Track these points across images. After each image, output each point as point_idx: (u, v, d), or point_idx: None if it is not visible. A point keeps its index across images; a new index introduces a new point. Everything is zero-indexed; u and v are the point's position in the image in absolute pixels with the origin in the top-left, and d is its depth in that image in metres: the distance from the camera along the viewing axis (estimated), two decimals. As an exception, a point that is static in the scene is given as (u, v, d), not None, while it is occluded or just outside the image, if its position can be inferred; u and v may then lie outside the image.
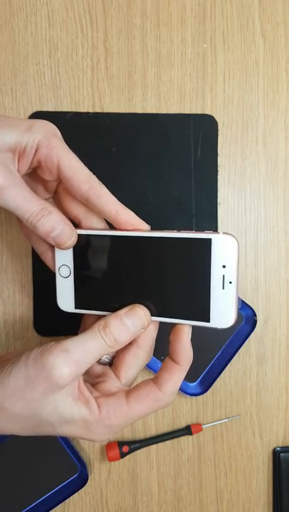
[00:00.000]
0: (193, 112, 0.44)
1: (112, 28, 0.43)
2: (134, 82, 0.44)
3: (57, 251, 0.35)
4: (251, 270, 0.46)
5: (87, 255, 0.34)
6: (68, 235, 0.32)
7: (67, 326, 0.44)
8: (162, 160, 0.44)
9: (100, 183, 0.32)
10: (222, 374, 0.44)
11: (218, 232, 0.30)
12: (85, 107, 0.43)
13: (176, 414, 0.45)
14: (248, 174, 0.45)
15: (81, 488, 0.43)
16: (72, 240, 0.33)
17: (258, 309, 0.45)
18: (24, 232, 0.37)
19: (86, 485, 0.43)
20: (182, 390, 0.44)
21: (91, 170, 0.33)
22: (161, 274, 0.31)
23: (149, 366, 0.43)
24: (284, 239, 0.46)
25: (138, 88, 0.44)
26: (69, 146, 0.33)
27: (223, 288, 0.30)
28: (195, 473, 0.46)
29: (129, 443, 0.44)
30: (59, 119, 0.43)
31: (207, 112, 0.45)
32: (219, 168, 0.45)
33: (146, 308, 0.32)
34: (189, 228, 0.44)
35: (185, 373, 0.32)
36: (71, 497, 0.43)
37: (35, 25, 0.43)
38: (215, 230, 0.45)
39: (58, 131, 0.33)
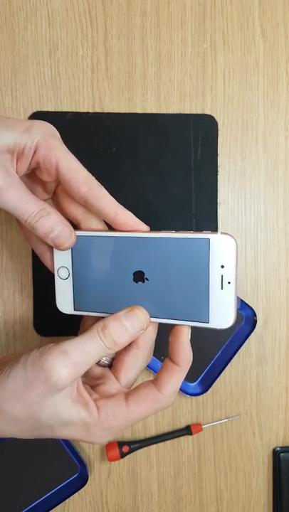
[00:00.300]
0: (193, 111, 0.44)
1: (112, 28, 0.43)
2: (134, 82, 0.44)
3: (56, 252, 0.35)
4: (251, 270, 0.46)
5: (85, 256, 0.34)
6: (67, 236, 0.32)
7: (67, 327, 0.44)
8: (162, 160, 0.44)
9: (99, 184, 0.32)
10: (222, 374, 0.44)
11: (217, 232, 0.30)
12: (85, 107, 0.43)
13: (176, 414, 0.45)
14: (248, 174, 0.45)
15: (81, 488, 0.43)
16: (71, 241, 0.32)
17: (258, 309, 0.45)
18: (24, 233, 0.37)
19: (86, 485, 0.43)
20: (182, 390, 0.44)
21: (91, 170, 0.33)
22: (160, 275, 0.31)
23: (149, 366, 0.43)
24: (284, 239, 0.46)
25: (138, 88, 0.44)
26: (69, 146, 0.33)
27: (222, 288, 0.30)
28: (195, 473, 0.46)
29: (129, 443, 0.44)
30: (59, 119, 0.43)
31: (207, 112, 0.45)
32: (219, 168, 0.45)
33: (145, 310, 0.31)
34: (189, 228, 0.44)
35: (185, 374, 0.32)
36: (71, 497, 0.43)
37: (35, 25, 0.43)
38: (215, 230, 0.45)
39: (57, 132, 0.33)
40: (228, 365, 0.44)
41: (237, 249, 0.29)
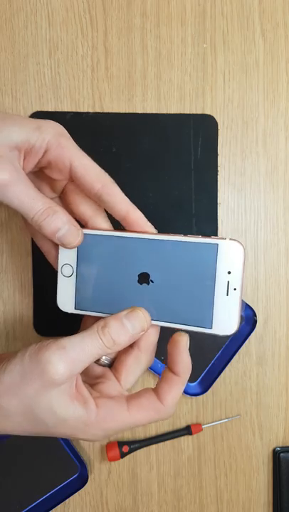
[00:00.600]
0: (193, 112, 0.44)
1: (112, 28, 0.43)
2: (134, 82, 0.44)
3: (61, 249, 0.34)
4: (251, 270, 0.46)
5: (91, 255, 0.33)
6: (74, 235, 0.32)
7: (68, 326, 0.44)
8: (162, 160, 0.44)
9: (112, 181, 0.32)
10: (222, 374, 0.44)
11: (225, 238, 0.30)
12: (85, 107, 0.43)
13: (176, 414, 0.45)
14: (248, 174, 0.45)
15: (81, 488, 0.43)
16: (79, 240, 0.32)
17: (258, 309, 0.45)
18: (29, 230, 0.37)
19: (86, 485, 0.43)
20: (182, 390, 0.44)
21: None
22: (165, 278, 0.31)
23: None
24: (284, 239, 0.46)
25: (138, 88, 0.44)
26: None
27: (227, 294, 0.30)
28: (195, 473, 0.46)
29: (129, 443, 0.44)
30: (59, 119, 0.43)
31: (207, 112, 0.45)
32: (219, 168, 0.45)
33: (146, 311, 0.31)
34: (189, 228, 0.44)
35: (185, 384, 0.31)
36: (71, 497, 0.43)
37: (35, 25, 0.43)
38: (215, 230, 0.45)
39: (66, 131, 0.33)
40: (228, 365, 0.44)
41: (245, 256, 0.29)
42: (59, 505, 0.43)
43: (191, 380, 0.45)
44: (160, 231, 0.33)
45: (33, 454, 0.43)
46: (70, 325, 0.44)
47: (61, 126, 0.32)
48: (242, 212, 0.45)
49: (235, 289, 0.29)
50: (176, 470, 0.46)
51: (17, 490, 0.42)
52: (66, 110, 0.43)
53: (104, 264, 0.33)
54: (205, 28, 0.44)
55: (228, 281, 0.29)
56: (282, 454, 0.46)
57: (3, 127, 0.30)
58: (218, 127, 0.45)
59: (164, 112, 0.44)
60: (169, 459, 0.46)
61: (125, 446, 0.44)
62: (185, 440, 0.46)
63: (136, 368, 0.33)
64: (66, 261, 0.34)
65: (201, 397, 0.45)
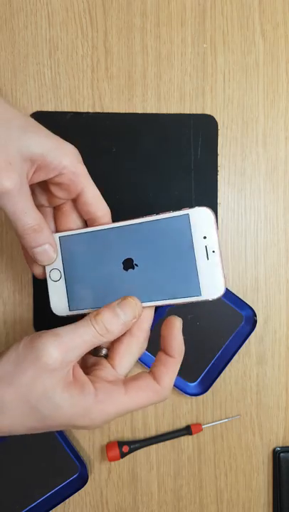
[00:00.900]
0: (193, 112, 0.44)
1: (112, 28, 0.43)
2: (134, 82, 0.44)
3: None
4: (251, 270, 0.46)
5: (74, 255, 0.34)
6: (49, 257, 0.34)
7: (67, 326, 0.44)
8: (162, 160, 0.44)
9: (109, 211, 0.34)
10: (222, 374, 0.44)
11: (193, 207, 0.31)
12: (85, 107, 0.43)
13: (176, 414, 0.45)
14: (248, 174, 0.45)
15: (81, 488, 0.43)
16: (51, 261, 0.34)
17: (258, 309, 0.45)
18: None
19: (86, 485, 0.43)
20: (182, 390, 0.44)
21: (92, 170, 0.33)
22: (148, 259, 0.32)
23: (143, 361, 0.43)
24: (284, 239, 0.46)
25: (138, 88, 0.44)
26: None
27: (208, 258, 0.31)
28: (195, 473, 0.46)
29: (129, 443, 0.44)
30: (59, 119, 0.43)
31: (207, 112, 0.45)
32: (219, 168, 0.45)
33: (137, 299, 0.32)
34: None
35: (179, 365, 0.32)
36: (71, 497, 0.43)
37: (35, 25, 0.43)
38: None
39: (80, 156, 0.33)
40: (228, 365, 0.44)
41: (215, 219, 0.31)
42: (59, 505, 0.43)
43: (191, 380, 0.45)
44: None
45: (34, 454, 0.43)
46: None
47: (77, 151, 0.33)
48: (242, 212, 0.45)
49: (214, 252, 0.31)
50: (176, 470, 0.46)
51: (17, 490, 0.42)
52: (66, 110, 0.43)
53: (88, 261, 0.34)
54: (205, 28, 0.44)
55: (206, 246, 0.31)
56: (282, 454, 0.46)
57: (24, 135, 0.30)
58: (218, 127, 0.45)
59: (164, 111, 0.44)
60: (169, 459, 0.46)
61: (125, 446, 0.44)
62: (185, 440, 0.46)
63: (129, 353, 0.33)
64: (52, 266, 0.35)
65: (201, 397, 0.45)
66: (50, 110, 0.43)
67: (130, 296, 0.32)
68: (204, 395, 0.44)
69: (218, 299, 0.31)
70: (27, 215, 0.31)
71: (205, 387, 0.44)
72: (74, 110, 0.43)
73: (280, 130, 0.45)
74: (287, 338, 0.46)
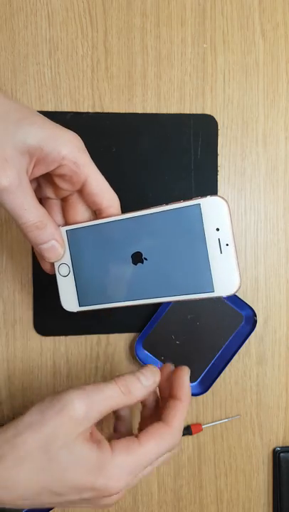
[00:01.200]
0: (193, 112, 0.44)
1: (112, 28, 0.43)
2: (134, 82, 0.44)
3: None
4: (251, 270, 0.46)
5: (82, 249, 0.33)
6: (56, 254, 0.33)
7: (67, 327, 0.44)
8: (162, 160, 0.44)
9: (117, 199, 0.33)
10: (222, 374, 0.44)
11: (206, 196, 0.29)
12: (85, 107, 0.43)
13: (176, 414, 0.45)
14: (248, 174, 0.45)
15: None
16: (59, 257, 0.33)
17: (258, 309, 0.45)
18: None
19: (86, 485, 0.43)
20: (182, 390, 0.44)
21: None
22: (158, 252, 0.31)
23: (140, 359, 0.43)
24: (284, 239, 0.46)
25: (138, 88, 0.44)
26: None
27: (221, 252, 0.29)
28: (195, 473, 0.46)
29: (129, 443, 0.44)
30: (59, 119, 0.43)
31: (207, 112, 0.45)
32: (219, 168, 0.45)
33: (156, 368, 0.33)
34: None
35: (187, 408, 0.33)
36: (71, 497, 0.43)
37: (35, 25, 0.43)
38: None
39: (82, 144, 0.32)
40: (228, 365, 0.44)
41: (229, 209, 0.29)
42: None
43: (191, 380, 0.45)
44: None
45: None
46: (70, 325, 0.44)
47: (78, 138, 0.32)
48: (242, 212, 0.45)
49: (227, 245, 0.29)
50: (176, 470, 0.46)
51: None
52: (66, 110, 0.43)
53: (97, 255, 0.33)
54: (205, 28, 0.44)
55: (219, 239, 0.29)
56: (282, 454, 0.46)
57: (20, 129, 0.29)
58: (218, 127, 0.45)
59: (164, 111, 0.44)
60: (169, 459, 0.46)
61: (125, 446, 0.44)
62: (185, 440, 0.46)
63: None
64: (61, 261, 0.34)
65: (201, 397, 0.45)
66: (50, 110, 0.43)
67: (150, 365, 0.33)
68: (204, 394, 0.44)
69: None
70: (28, 212, 0.30)
71: (205, 387, 0.44)
72: (74, 110, 0.43)
73: (280, 130, 0.45)
74: (287, 338, 0.46)
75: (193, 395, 0.44)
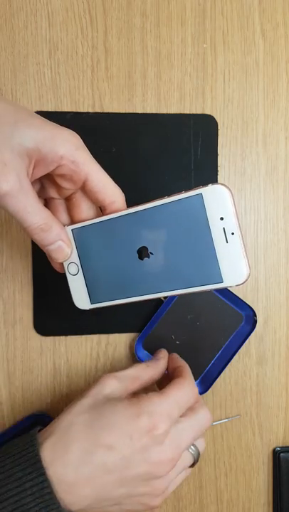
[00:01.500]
0: (193, 112, 0.44)
1: (112, 28, 0.43)
2: (134, 82, 0.44)
3: None
4: (251, 270, 0.46)
5: (89, 247, 0.33)
6: (63, 254, 0.33)
7: (68, 326, 0.44)
8: (162, 160, 0.44)
9: (122, 195, 0.33)
10: (222, 374, 0.44)
11: (207, 185, 0.29)
12: (85, 107, 0.43)
13: (176, 414, 0.45)
14: (248, 174, 0.45)
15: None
16: (66, 257, 0.34)
17: (258, 309, 0.45)
18: None
19: (86, 485, 0.43)
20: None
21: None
22: (163, 245, 0.31)
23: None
24: (284, 239, 0.46)
25: (138, 88, 0.44)
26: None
27: (227, 241, 0.28)
28: (195, 473, 0.46)
29: (129, 443, 0.44)
30: (59, 119, 0.43)
31: (207, 112, 0.45)
32: (219, 168, 0.45)
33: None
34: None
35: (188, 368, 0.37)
36: (71, 497, 0.43)
37: (35, 25, 0.43)
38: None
39: (81, 141, 0.32)
40: (228, 365, 0.44)
41: (233, 197, 0.28)
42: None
43: (191, 380, 0.45)
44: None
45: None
46: (70, 325, 0.44)
47: (76, 136, 0.31)
48: (242, 212, 0.45)
49: (233, 234, 0.28)
50: (176, 470, 0.46)
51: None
52: (66, 110, 0.43)
53: (104, 252, 0.33)
54: (205, 28, 0.44)
55: (224, 228, 0.28)
56: (282, 454, 0.46)
57: (16, 131, 0.29)
58: (218, 127, 0.45)
59: (164, 112, 0.44)
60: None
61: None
62: (185, 440, 0.46)
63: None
64: (69, 260, 0.34)
65: (201, 397, 0.45)
66: (50, 110, 0.43)
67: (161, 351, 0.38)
68: (204, 394, 0.44)
69: (242, 285, 0.30)
70: (31, 215, 0.30)
71: (205, 387, 0.44)
72: (74, 110, 0.43)
73: (280, 130, 0.45)
74: (287, 338, 0.46)
75: (193, 395, 0.44)
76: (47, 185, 0.34)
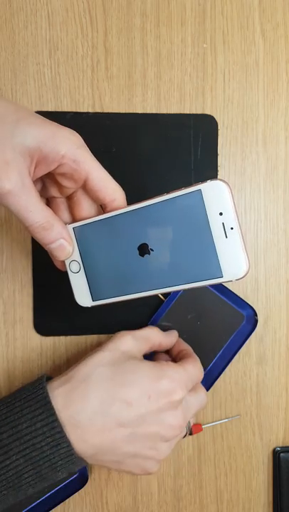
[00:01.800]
0: (193, 112, 0.44)
1: (112, 28, 0.43)
2: (134, 82, 0.44)
3: None
4: (251, 270, 0.46)
5: (90, 245, 0.34)
6: (65, 253, 0.33)
7: (68, 326, 0.44)
8: (162, 160, 0.44)
9: (123, 194, 0.33)
10: (222, 374, 0.44)
11: (206, 181, 0.29)
12: (85, 107, 0.43)
13: (176, 414, 0.45)
14: (248, 174, 0.45)
15: (81, 488, 0.43)
16: (68, 255, 0.34)
17: (258, 309, 0.45)
18: None
19: (86, 485, 0.43)
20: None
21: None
22: (163, 242, 0.31)
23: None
24: (284, 239, 0.46)
25: (138, 88, 0.44)
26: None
27: (227, 236, 0.29)
28: (195, 473, 0.46)
29: (129, 443, 0.44)
30: (59, 119, 0.43)
31: (207, 112, 0.45)
32: (219, 168, 0.45)
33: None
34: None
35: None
36: (71, 497, 0.43)
37: (35, 25, 0.43)
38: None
39: (82, 140, 0.32)
40: (228, 365, 0.44)
41: (231, 192, 0.29)
42: (59, 505, 0.43)
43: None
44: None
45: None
46: (70, 325, 0.44)
47: (77, 135, 0.32)
48: (242, 212, 0.45)
49: (232, 228, 0.29)
50: (176, 470, 0.46)
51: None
52: (66, 110, 0.43)
53: (105, 250, 0.33)
54: (205, 28, 0.44)
55: (223, 223, 0.29)
56: (282, 454, 0.46)
57: (18, 130, 0.29)
58: (218, 127, 0.45)
59: (164, 112, 0.44)
60: (169, 459, 0.46)
61: (125, 446, 0.44)
62: (185, 440, 0.46)
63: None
64: (71, 258, 0.34)
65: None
66: (50, 110, 0.43)
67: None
68: (204, 395, 0.44)
69: (241, 283, 0.30)
70: (33, 213, 0.30)
71: (205, 386, 0.44)
72: (74, 110, 0.43)
73: (280, 130, 0.45)
74: (287, 338, 0.46)
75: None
76: (49, 184, 0.34)
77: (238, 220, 0.29)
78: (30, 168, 0.30)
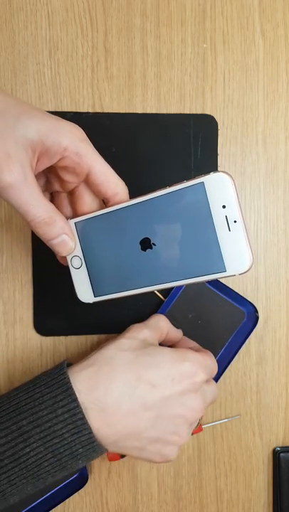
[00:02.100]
0: (193, 112, 0.44)
1: (112, 28, 0.43)
2: (134, 82, 0.44)
3: None
4: (251, 270, 0.46)
5: (92, 240, 0.33)
6: (67, 248, 0.33)
7: (68, 326, 0.44)
8: (162, 160, 0.44)
9: (125, 188, 0.33)
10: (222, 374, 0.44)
11: (209, 173, 0.29)
12: (85, 107, 0.43)
13: (176, 414, 0.45)
14: (248, 174, 0.45)
15: (81, 488, 0.43)
16: (70, 251, 0.33)
17: (258, 309, 0.45)
18: None
19: (86, 485, 0.43)
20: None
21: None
22: (165, 236, 0.31)
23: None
24: (284, 239, 0.46)
25: (138, 88, 0.44)
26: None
27: (230, 230, 0.28)
28: (195, 473, 0.46)
29: (129, 443, 0.44)
30: (59, 119, 0.43)
31: (207, 112, 0.45)
32: (219, 168, 0.45)
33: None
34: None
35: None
36: (71, 497, 0.43)
37: (35, 25, 0.43)
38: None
39: (84, 134, 0.32)
40: (231, 362, 0.44)
41: (235, 185, 0.28)
42: (59, 505, 0.43)
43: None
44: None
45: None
46: (70, 325, 0.44)
47: (79, 129, 0.31)
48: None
49: (235, 222, 0.28)
50: (176, 470, 0.46)
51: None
52: (66, 110, 0.43)
53: (106, 245, 0.33)
54: (205, 28, 0.44)
55: (226, 216, 0.28)
56: (282, 454, 0.46)
57: (20, 123, 0.29)
58: (218, 127, 0.45)
59: (164, 112, 0.44)
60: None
61: (125, 446, 0.44)
62: (185, 440, 0.46)
63: None
64: (73, 253, 0.34)
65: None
66: (50, 110, 0.43)
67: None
68: (204, 394, 0.44)
69: (245, 274, 0.30)
70: (35, 208, 0.30)
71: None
72: (74, 110, 0.43)
73: (280, 130, 0.45)
74: (287, 338, 0.46)
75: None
76: (51, 178, 0.34)
77: (242, 213, 0.28)
78: (33, 161, 0.30)
